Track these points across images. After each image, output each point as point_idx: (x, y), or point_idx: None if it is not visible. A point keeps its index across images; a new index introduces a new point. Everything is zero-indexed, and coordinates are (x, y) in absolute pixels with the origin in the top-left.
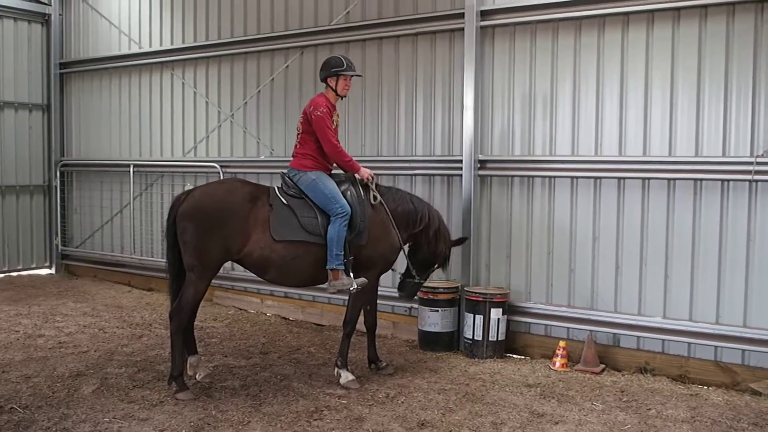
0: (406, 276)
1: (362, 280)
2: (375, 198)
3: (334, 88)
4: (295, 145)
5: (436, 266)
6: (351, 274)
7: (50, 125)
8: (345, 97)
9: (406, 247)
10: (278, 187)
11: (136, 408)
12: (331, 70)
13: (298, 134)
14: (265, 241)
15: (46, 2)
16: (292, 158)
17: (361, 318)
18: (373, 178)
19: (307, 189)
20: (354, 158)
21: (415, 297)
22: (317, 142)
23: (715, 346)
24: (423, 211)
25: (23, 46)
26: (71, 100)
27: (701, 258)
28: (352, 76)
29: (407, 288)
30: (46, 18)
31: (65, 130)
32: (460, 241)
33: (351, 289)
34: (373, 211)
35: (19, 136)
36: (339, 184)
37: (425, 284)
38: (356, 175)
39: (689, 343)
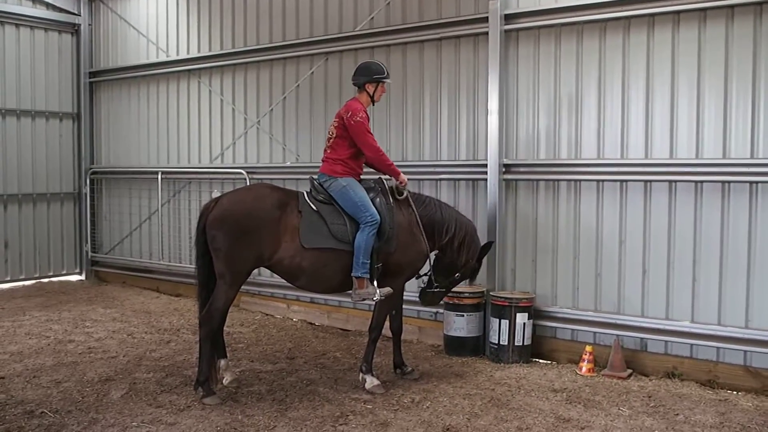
0: (428, 285)
1: (387, 289)
2: (401, 193)
3: (371, 94)
4: (325, 150)
5: (459, 277)
6: (375, 283)
7: (80, 133)
8: (377, 102)
9: (432, 255)
10: (307, 192)
11: (164, 413)
12: (374, 77)
13: (330, 138)
14: (295, 249)
15: (76, 13)
16: (322, 162)
17: (387, 323)
18: (406, 184)
19: (338, 196)
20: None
21: (440, 304)
22: (351, 147)
23: (745, 351)
24: (450, 222)
25: (54, 56)
26: (100, 108)
27: (730, 261)
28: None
29: (426, 297)
30: (76, 28)
31: (95, 138)
32: (486, 248)
33: (375, 298)
34: (402, 216)
35: (50, 144)
36: (368, 191)
37: (451, 290)
38: (394, 180)
39: (718, 348)
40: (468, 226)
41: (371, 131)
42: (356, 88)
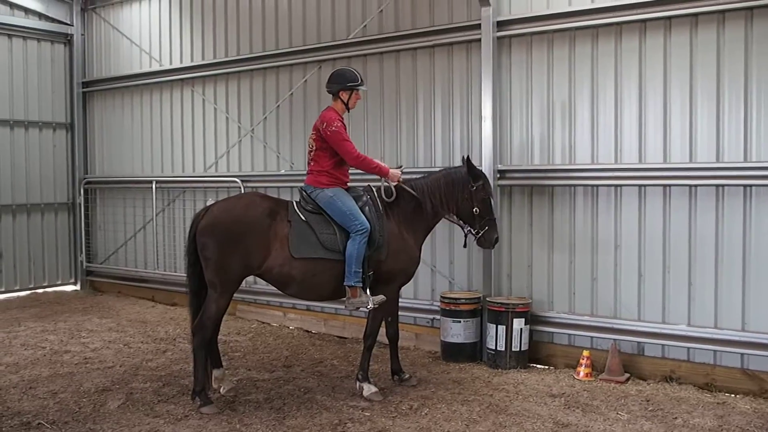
0: (474, 234)
1: (380, 297)
2: (390, 194)
3: (345, 101)
4: (309, 162)
5: (478, 211)
6: (368, 291)
7: (74, 143)
8: (352, 109)
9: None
10: (296, 202)
11: (162, 422)
12: (347, 84)
13: (311, 151)
14: (285, 258)
15: (69, 23)
16: (307, 175)
17: (383, 330)
18: (400, 178)
19: (325, 206)
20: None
21: (495, 240)
22: (332, 157)
23: (742, 354)
24: (425, 202)
25: (46, 66)
26: (94, 118)
27: (725, 264)
28: (363, 90)
29: (483, 242)
30: (69, 38)
31: (88, 148)
32: (468, 162)
33: (368, 306)
34: (392, 224)
35: (44, 154)
36: (357, 199)
37: (449, 294)
38: (386, 180)
39: (715, 351)
40: (441, 181)
41: (349, 138)
42: (331, 95)
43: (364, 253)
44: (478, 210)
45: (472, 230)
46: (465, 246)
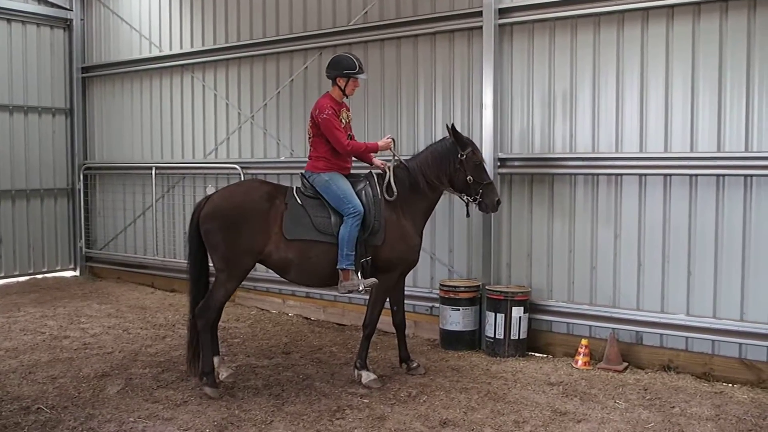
0: (473, 202)
1: (371, 280)
2: (392, 193)
3: (342, 88)
4: (310, 149)
5: (471, 179)
6: (359, 275)
7: (73, 129)
8: (349, 96)
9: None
10: (297, 188)
11: (161, 408)
12: (343, 72)
13: (309, 138)
14: (281, 241)
15: (68, 7)
16: (307, 161)
17: (390, 318)
18: (393, 143)
19: (321, 190)
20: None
21: (497, 203)
22: (328, 143)
23: (740, 344)
24: (418, 178)
25: (46, 52)
26: (93, 103)
27: (725, 254)
28: (362, 78)
29: (482, 207)
30: (68, 23)
31: (88, 134)
32: (454, 131)
33: (359, 289)
34: (390, 211)
35: (43, 140)
36: (355, 183)
37: (448, 282)
38: (395, 160)
39: (713, 341)
40: (428, 158)
41: (340, 127)
42: (330, 81)
43: (356, 236)
44: (471, 178)
45: (470, 199)
46: (468, 215)
